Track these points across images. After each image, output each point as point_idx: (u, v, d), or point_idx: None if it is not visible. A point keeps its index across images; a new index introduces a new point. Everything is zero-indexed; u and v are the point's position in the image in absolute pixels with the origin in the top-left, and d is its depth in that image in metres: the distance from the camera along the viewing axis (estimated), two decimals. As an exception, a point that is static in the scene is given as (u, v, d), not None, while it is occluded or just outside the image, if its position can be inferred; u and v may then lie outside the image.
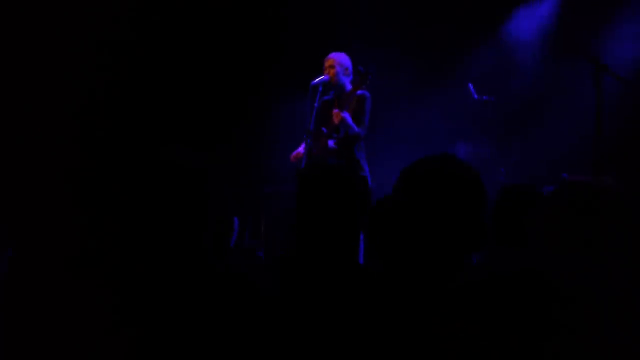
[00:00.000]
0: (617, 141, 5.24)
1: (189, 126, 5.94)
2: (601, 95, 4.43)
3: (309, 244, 1.92)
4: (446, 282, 1.57)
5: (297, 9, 6.28)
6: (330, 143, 4.81)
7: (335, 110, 4.74)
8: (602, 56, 4.75)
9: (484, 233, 1.64)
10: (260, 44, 6.36)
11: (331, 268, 1.87)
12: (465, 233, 1.60)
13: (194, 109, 6.10)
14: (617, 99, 5.23)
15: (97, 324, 1.74)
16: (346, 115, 4.70)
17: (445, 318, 1.51)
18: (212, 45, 6.19)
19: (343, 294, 1.72)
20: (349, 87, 4.90)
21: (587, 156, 4.80)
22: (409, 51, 6.45)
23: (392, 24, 6.42)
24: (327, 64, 4.92)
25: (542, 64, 6.23)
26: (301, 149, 4.86)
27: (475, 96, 5.86)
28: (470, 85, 5.91)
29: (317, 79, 4.89)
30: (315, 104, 4.86)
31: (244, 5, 6.25)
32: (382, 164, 5.23)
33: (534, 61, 6.30)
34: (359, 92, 4.84)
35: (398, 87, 6.40)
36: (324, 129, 4.82)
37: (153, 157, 1.93)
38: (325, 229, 1.91)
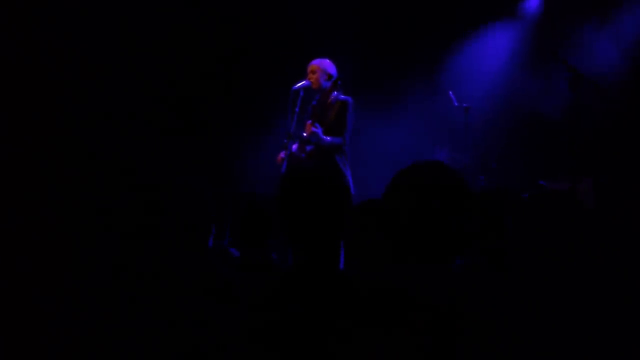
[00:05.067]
0: (594, 148, 5.31)
1: (167, 127, 5.93)
2: (578, 103, 4.49)
3: (289, 249, 1.93)
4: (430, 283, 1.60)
5: (280, 14, 6.30)
6: (309, 148, 4.82)
7: (309, 122, 4.75)
8: (580, 62, 4.82)
9: (468, 237, 1.67)
10: (244, 47, 6.37)
11: (312, 273, 1.89)
12: (450, 237, 1.63)
13: (174, 109, 6.08)
14: (593, 107, 5.30)
15: (78, 325, 1.74)
16: (318, 130, 4.71)
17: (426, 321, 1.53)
18: (195, 46, 6.18)
19: (325, 298, 1.74)
20: (330, 93, 4.92)
21: (564, 163, 4.87)
22: (390, 58, 6.49)
23: (373, 31, 6.47)
24: (309, 69, 4.95)
25: (520, 72, 6.31)
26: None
27: (456, 103, 5.92)
28: (451, 93, 5.96)
29: (298, 84, 4.91)
30: (296, 109, 4.87)
31: (224, 7, 6.27)
32: (362, 170, 5.25)
33: (512, 69, 6.37)
34: (341, 97, 4.86)
35: (379, 94, 6.43)
36: (303, 133, 4.83)
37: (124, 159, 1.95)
38: (303, 233, 1.92)
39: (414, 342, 1.53)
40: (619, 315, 1.68)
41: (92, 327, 1.74)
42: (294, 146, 4.87)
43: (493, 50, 6.49)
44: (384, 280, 1.67)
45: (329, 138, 4.75)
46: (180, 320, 1.78)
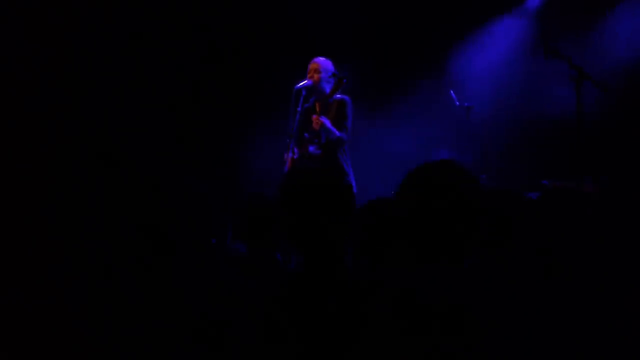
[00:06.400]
0: (597, 147, 5.30)
1: (171, 128, 5.93)
2: (582, 101, 4.48)
3: (295, 249, 1.93)
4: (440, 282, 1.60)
5: (283, 13, 6.30)
6: (312, 148, 4.82)
7: (314, 116, 4.75)
8: (586, 60, 4.81)
9: (477, 237, 1.66)
10: (246, 47, 6.37)
11: (317, 273, 1.88)
12: (461, 236, 1.63)
13: (177, 110, 6.08)
14: (598, 105, 5.29)
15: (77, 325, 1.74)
16: (325, 121, 4.70)
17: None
18: (199, 48, 6.19)
19: (331, 299, 1.73)
20: (329, 92, 4.92)
21: (567, 162, 4.86)
22: (391, 58, 6.49)
23: (375, 32, 6.46)
24: (312, 67, 4.92)
25: (523, 70, 6.30)
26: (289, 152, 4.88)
27: (457, 103, 5.90)
28: (452, 92, 5.95)
29: (300, 83, 4.89)
30: (298, 108, 4.87)
31: (228, 7, 6.27)
32: (364, 171, 5.25)
33: (515, 67, 6.36)
34: (338, 96, 4.85)
35: (379, 94, 6.43)
36: (306, 134, 4.82)
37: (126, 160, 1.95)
38: (307, 233, 1.91)
39: (422, 343, 1.52)
40: (624, 316, 1.68)
41: (97, 328, 1.73)
42: (297, 147, 4.87)
43: (495, 48, 6.48)
44: (391, 280, 1.66)
45: (337, 131, 4.74)
46: (184, 320, 1.78)
